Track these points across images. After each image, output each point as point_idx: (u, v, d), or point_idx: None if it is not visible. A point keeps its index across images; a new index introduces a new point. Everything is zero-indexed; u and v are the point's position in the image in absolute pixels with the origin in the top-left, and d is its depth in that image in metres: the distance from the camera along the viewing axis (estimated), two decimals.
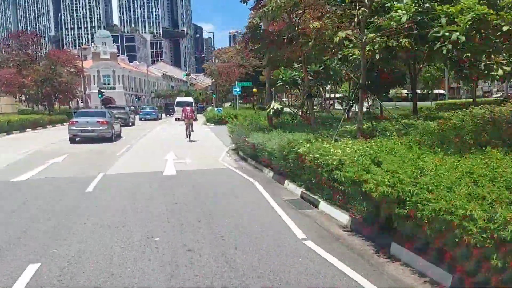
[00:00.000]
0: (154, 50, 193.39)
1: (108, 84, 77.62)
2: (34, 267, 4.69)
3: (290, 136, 9.13)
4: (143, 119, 44.41)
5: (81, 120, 20.08)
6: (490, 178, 4.23)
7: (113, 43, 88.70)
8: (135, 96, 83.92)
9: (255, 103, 42.67)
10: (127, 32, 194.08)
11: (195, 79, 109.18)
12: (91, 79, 73.89)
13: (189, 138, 19.59)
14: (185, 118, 20.22)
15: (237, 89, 32.39)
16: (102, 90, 49.81)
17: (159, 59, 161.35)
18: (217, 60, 44.13)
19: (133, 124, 35.03)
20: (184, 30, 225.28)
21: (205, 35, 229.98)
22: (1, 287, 4.25)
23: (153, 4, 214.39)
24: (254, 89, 33.52)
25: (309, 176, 7.64)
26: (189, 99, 41.80)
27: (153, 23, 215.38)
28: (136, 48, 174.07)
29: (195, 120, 22.23)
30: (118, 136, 22.05)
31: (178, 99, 43.77)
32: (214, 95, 48.82)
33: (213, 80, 47.51)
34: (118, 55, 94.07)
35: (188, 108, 20.69)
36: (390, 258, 4.89)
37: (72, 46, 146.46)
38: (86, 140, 19.52)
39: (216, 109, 32.96)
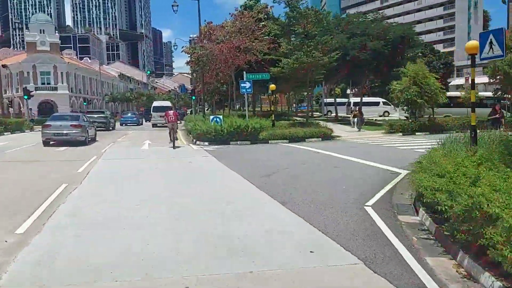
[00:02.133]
0: (111, 52, 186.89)
1: (48, 84, 60.68)
2: None
3: None
4: (124, 124, 43.02)
5: (54, 123, 20.06)
6: None
7: (57, 34, 68.66)
8: (84, 99, 66.52)
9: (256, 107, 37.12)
10: (81, 33, 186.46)
11: (157, 82, 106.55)
12: (22, 77, 59.19)
13: (173, 145, 18.83)
14: (168, 122, 19.61)
15: (246, 85, 21.53)
16: (33, 91, 42.54)
17: (116, 61, 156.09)
18: (205, 41, 27.83)
19: (113, 128, 34.88)
20: (143, 33, 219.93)
21: (165, 40, 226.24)
22: None
23: (109, 5, 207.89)
24: (272, 85, 22.50)
25: None
26: (167, 103, 39.69)
27: (109, 24, 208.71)
28: (90, 49, 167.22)
29: (179, 124, 21.73)
30: (93, 140, 22.14)
31: (155, 103, 41.42)
32: (193, 97, 35.22)
33: (195, 73, 34.82)
34: (67, 51, 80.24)
35: (171, 112, 20.23)
36: None
37: (20, 48, 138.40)
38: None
39: (211, 117, 22.26)
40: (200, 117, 28.70)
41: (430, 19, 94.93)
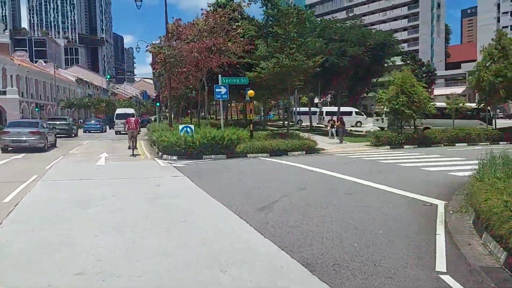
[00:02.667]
0: (69, 56, 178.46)
1: None
2: None
3: None
4: (87, 131, 42.22)
5: (12, 130, 20.30)
6: None
7: (6, 34, 62.91)
8: (36, 105, 60.43)
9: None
10: (38, 36, 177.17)
11: (117, 88, 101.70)
12: None
13: (133, 152, 18.69)
14: (128, 130, 19.40)
15: (222, 90, 18.82)
16: None
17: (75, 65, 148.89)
18: (173, 41, 23.70)
19: (76, 135, 35.54)
20: (103, 38, 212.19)
21: (126, 45, 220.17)
22: None
23: (68, 8, 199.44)
24: (251, 91, 19.49)
25: None
26: (131, 110, 39.90)
27: (68, 28, 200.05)
28: (47, 53, 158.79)
29: (139, 132, 21.21)
30: (53, 145, 22.78)
31: (118, 111, 40.99)
32: (157, 104, 31.30)
33: (161, 78, 30.49)
34: (19, 52, 73.26)
35: (132, 119, 20.02)
36: None
37: None
38: None
39: (181, 127, 18.53)
40: (165, 125, 25.65)
41: (394, 19, 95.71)
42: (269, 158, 17.68)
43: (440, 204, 7.94)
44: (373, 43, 28.54)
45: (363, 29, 29.90)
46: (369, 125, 46.39)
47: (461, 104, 26.20)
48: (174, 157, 17.49)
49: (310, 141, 20.00)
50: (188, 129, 18.17)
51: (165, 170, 14.05)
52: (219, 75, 19.62)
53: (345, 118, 44.35)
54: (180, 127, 18.53)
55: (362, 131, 37.69)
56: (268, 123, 55.71)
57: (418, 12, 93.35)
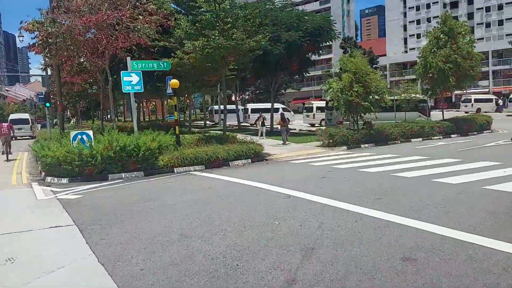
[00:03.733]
0: None
1: None
2: None
3: None
4: None
5: None
6: None
7: None
8: None
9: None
10: None
11: (8, 90, 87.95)
12: None
13: (7, 157, 18.00)
14: (2, 135, 18.86)
15: (133, 79, 13.37)
16: None
17: None
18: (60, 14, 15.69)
19: None
20: None
21: (20, 45, 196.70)
22: None
23: None
24: (174, 81, 13.88)
25: None
26: (26, 115, 40.26)
27: None
28: None
29: (13, 138, 20.83)
30: None
31: (12, 116, 40.14)
32: (48, 104, 22.79)
33: (47, 67, 22.93)
34: None
35: (5, 125, 19.71)
36: None
37: None
38: None
39: (73, 134, 12.73)
40: (57, 132, 18.97)
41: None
42: (206, 172, 12.67)
43: None
44: (310, 27, 24.75)
45: (298, 11, 26.07)
46: (297, 122, 43.25)
47: (413, 95, 23.51)
48: (64, 180, 11.67)
49: (256, 145, 15.33)
50: (85, 136, 12.33)
51: (41, 209, 8.27)
52: (128, 58, 13.94)
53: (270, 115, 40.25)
54: (72, 134, 12.59)
55: (294, 129, 34.12)
56: (186, 124, 50.09)
57: (330, 7, 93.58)
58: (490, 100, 49.36)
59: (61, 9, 15.77)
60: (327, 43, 27.56)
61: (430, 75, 22.97)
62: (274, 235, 5.75)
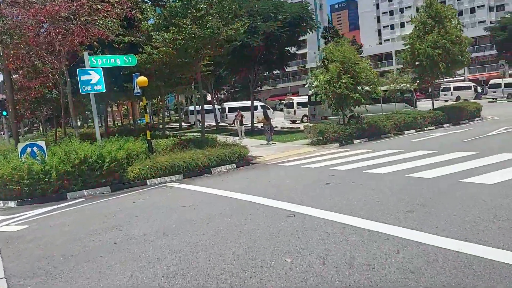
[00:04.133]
0: None
1: None
2: None
3: None
4: None
5: None
6: None
7: None
8: None
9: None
10: None
11: None
12: None
13: None
14: None
15: (92, 77, 11.15)
16: None
17: None
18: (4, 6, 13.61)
19: None
20: None
21: None
22: None
23: None
24: (142, 78, 11.64)
25: None
26: None
27: None
28: None
29: None
30: None
31: None
32: (4, 113, 20.88)
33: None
34: None
35: None
36: None
37: None
38: None
39: (21, 147, 10.49)
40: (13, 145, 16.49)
41: None
42: (185, 183, 10.77)
43: None
44: (289, 17, 23.04)
45: (275, 0, 24.29)
46: (277, 119, 41.64)
47: (403, 84, 22.12)
48: (11, 203, 9.57)
49: (241, 148, 13.50)
50: (35, 149, 10.21)
51: None
52: (85, 53, 11.79)
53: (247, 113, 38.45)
54: (20, 146, 10.44)
55: (276, 127, 32.38)
56: (160, 127, 47.68)
57: (302, 0, 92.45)
58: (469, 88, 48.89)
59: (6, 1, 13.48)
60: (307, 34, 25.85)
61: (418, 62, 21.64)
62: (290, 284, 3.96)
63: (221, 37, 13.14)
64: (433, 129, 20.35)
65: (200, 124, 39.81)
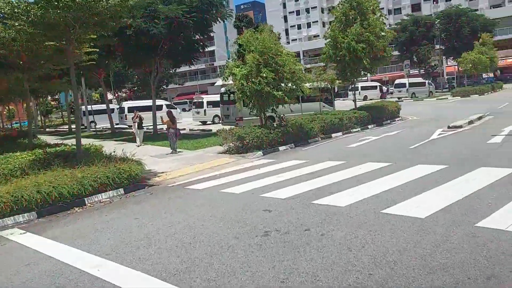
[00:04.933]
0: None
1: None
2: None
3: None
4: None
5: None
6: None
7: None
8: None
9: None
10: None
11: None
12: None
13: None
14: None
15: None
16: None
17: None
18: None
19: None
20: None
21: None
22: None
23: None
24: None
25: None
26: None
27: None
28: None
29: None
30: None
31: None
32: None
33: None
34: None
35: None
36: None
37: None
38: None
39: None
40: None
41: None
42: (37, 230, 6.70)
43: None
44: (196, 1, 19.43)
45: None
46: (185, 120, 37.83)
47: (325, 83, 19.85)
48: None
49: (132, 165, 9.60)
50: None
51: None
52: None
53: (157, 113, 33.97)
54: None
55: (184, 129, 28.57)
56: (39, 130, 40.46)
57: None
58: (375, 87, 49.77)
59: None
60: (217, 22, 22.42)
61: (339, 58, 19.50)
62: None
63: (100, 9, 9.14)
64: (358, 131, 18.35)
65: (96, 126, 34.69)
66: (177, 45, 20.86)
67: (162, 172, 11.16)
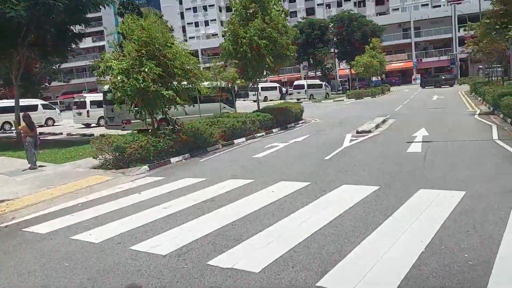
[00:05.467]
0: None
1: None
2: None
3: None
4: None
5: None
6: None
7: None
8: None
9: None
10: None
11: None
12: None
13: None
14: None
15: None
16: None
17: None
18: None
19: None
20: None
21: None
22: None
23: None
24: None
25: None
26: None
27: None
28: None
29: None
30: None
31: None
32: None
33: None
34: None
35: None
36: None
37: None
38: None
39: None
40: None
41: None
42: None
43: None
44: None
45: None
46: (66, 121, 33.14)
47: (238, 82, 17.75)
48: None
49: None
50: None
51: None
52: None
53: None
54: None
55: (61, 133, 24.28)
56: None
57: None
58: (274, 88, 49.45)
59: None
60: (97, 10, 18.93)
61: (240, 55, 17.53)
62: None
63: None
64: (263, 135, 16.59)
65: None
66: (46, 33, 17.01)
67: (2, 201, 7.94)
